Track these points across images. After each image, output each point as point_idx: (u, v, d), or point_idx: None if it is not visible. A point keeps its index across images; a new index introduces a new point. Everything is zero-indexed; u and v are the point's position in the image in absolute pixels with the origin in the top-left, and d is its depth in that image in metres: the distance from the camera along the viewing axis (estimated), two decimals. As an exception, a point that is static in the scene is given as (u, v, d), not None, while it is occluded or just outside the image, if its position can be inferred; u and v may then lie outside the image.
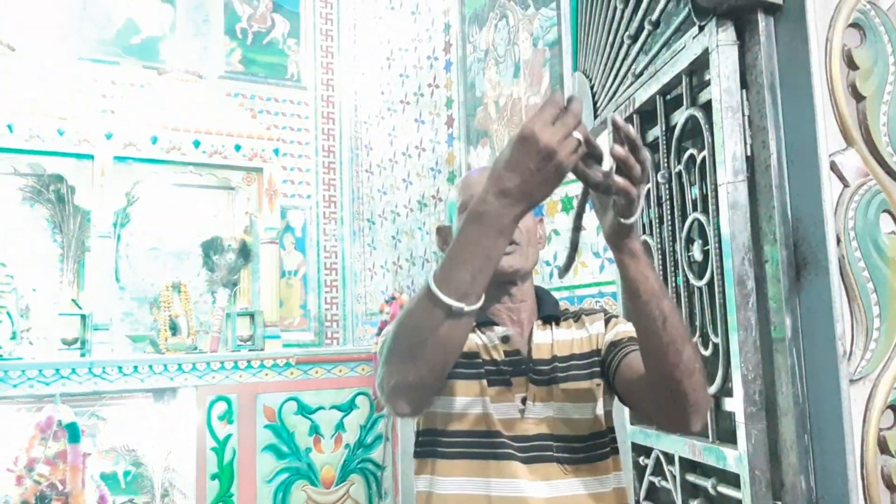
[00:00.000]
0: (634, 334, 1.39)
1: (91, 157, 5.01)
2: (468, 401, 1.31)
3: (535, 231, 1.42)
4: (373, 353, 5.13)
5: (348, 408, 5.50)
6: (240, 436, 5.13)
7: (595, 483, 1.32)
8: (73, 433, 3.17)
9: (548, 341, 1.39)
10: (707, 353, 1.72)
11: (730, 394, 1.60)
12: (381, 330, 5.01)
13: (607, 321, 1.44)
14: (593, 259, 3.61)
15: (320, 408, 5.44)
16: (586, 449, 1.34)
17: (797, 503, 1.45)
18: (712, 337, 1.68)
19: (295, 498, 5.30)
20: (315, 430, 5.42)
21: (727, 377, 1.61)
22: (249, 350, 5.35)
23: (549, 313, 1.42)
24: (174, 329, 5.39)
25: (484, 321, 1.37)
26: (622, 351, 1.37)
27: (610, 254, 2.94)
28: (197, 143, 5.36)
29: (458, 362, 1.27)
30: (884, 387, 1.45)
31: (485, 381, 1.32)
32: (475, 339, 1.35)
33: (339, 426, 5.44)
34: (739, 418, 1.53)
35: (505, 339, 1.36)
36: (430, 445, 1.33)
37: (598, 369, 1.40)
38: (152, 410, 5.69)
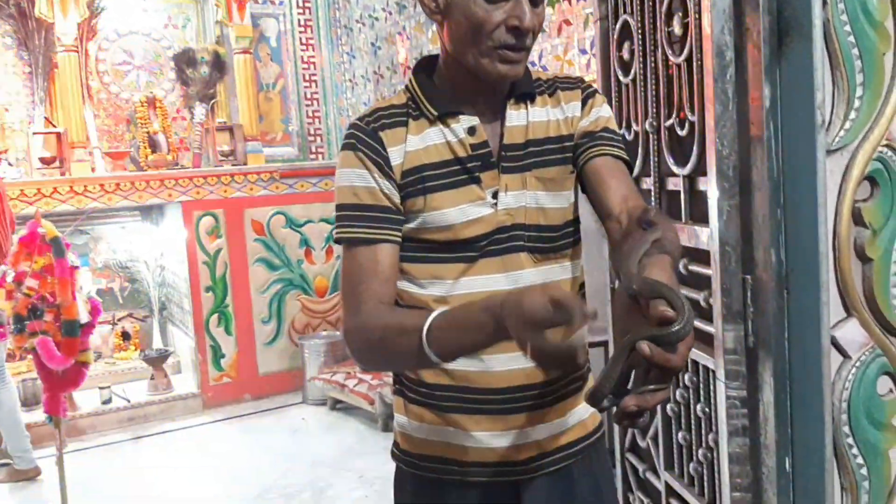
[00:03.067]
0: (611, 122, 1.33)
1: (46, -37, 4.71)
2: (438, 214, 1.24)
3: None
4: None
5: (336, 220, 5.53)
6: (230, 249, 5.19)
7: (559, 270, 1.29)
8: (58, 247, 3.16)
9: (522, 123, 1.28)
10: (683, 132, 1.67)
11: (703, 172, 1.56)
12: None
13: (584, 100, 1.32)
14: (580, 55, 3.48)
15: (309, 221, 5.47)
16: (558, 238, 1.29)
17: (767, 277, 1.44)
18: (689, 115, 1.62)
19: (290, 307, 5.45)
20: (305, 242, 5.48)
21: (702, 155, 1.56)
22: (232, 164, 5.29)
23: (525, 90, 1.29)
24: (153, 146, 5.30)
25: (448, 111, 1.25)
26: (593, 149, 1.28)
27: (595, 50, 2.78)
28: (158, -54, 5.02)
29: (422, 176, 1.23)
30: (862, 157, 1.40)
31: (447, 192, 1.23)
32: (438, 138, 1.25)
33: (329, 238, 5.50)
34: (712, 194, 1.49)
35: (471, 132, 1.25)
36: (402, 250, 1.26)
37: (571, 155, 1.31)
38: (142, 228, 5.74)
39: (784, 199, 1.42)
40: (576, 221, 1.33)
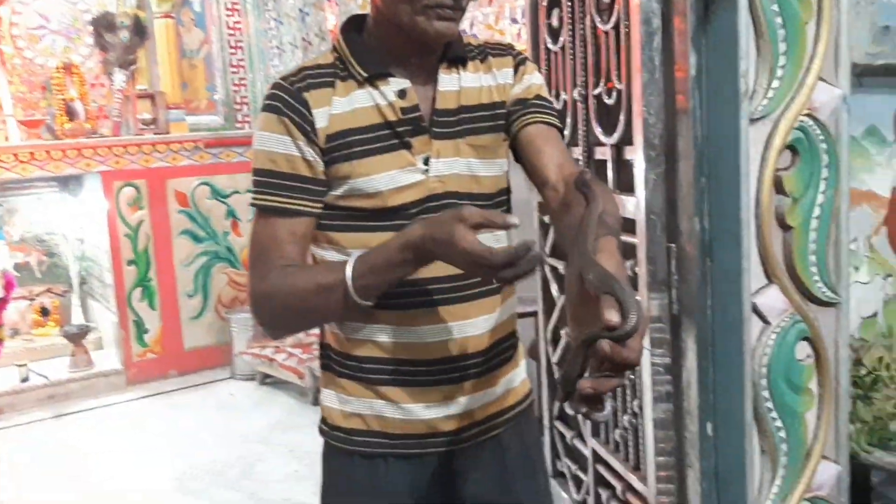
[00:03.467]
0: (543, 89, 1.31)
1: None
2: (365, 181, 1.19)
3: None
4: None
5: (264, 191, 5.42)
6: (153, 221, 5.02)
7: (492, 240, 1.26)
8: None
9: (454, 88, 1.24)
10: (611, 101, 1.66)
11: (630, 142, 1.56)
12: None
13: (516, 67, 1.29)
14: (511, 25, 3.46)
15: (235, 192, 5.33)
16: (491, 206, 1.26)
17: (690, 244, 1.46)
18: (616, 83, 1.61)
19: (216, 280, 5.32)
20: (231, 214, 5.34)
21: (629, 124, 1.56)
22: (154, 134, 5.11)
23: (457, 54, 1.25)
24: (71, 114, 5.07)
25: (378, 72, 1.20)
26: (526, 116, 1.26)
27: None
28: None
29: (348, 141, 1.18)
30: (784, 126, 1.42)
31: (375, 157, 1.19)
32: (367, 101, 1.19)
33: (257, 210, 5.38)
34: (638, 164, 1.50)
35: (401, 94, 1.20)
36: (328, 219, 1.21)
37: (503, 122, 1.28)
38: (59, 200, 5.51)
39: (708, 168, 1.43)
40: (508, 190, 1.31)
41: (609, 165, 1.70)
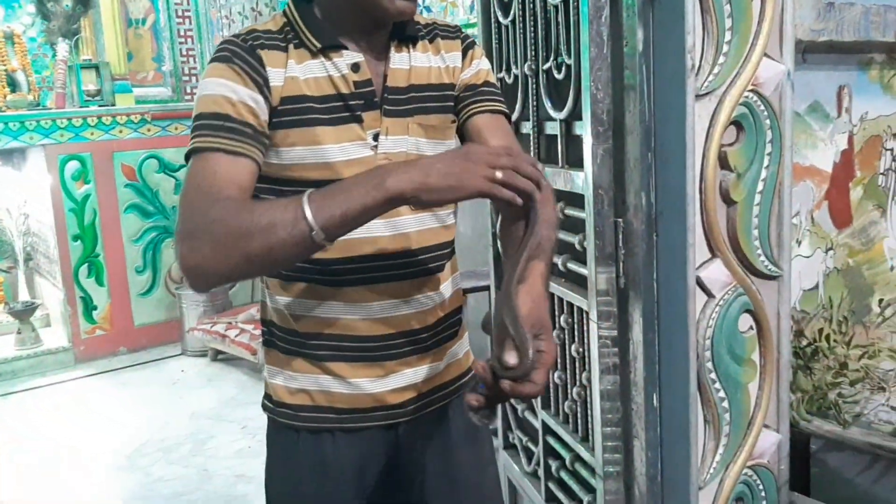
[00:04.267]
0: (490, 75, 1.32)
1: None
2: (318, 149, 1.17)
3: None
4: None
5: (215, 165, 5.32)
6: (99, 196, 4.92)
7: (436, 219, 1.27)
8: None
9: (404, 67, 1.24)
10: (560, 76, 1.66)
11: (579, 117, 1.56)
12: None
13: (465, 51, 1.30)
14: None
15: (184, 166, 5.22)
16: None
17: (637, 219, 1.47)
18: (566, 58, 1.61)
19: (166, 256, 5.24)
20: (180, 188, 5.25)
21: (578, 99, 1.56)
22: (99, 106, 4.97)
23: (409, 33, 1.25)
24: (12, 85, 4.92)
25: (332, 44, 1.18)
26: (475, 105, 1.27)
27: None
28: None
29: (303, 107, 1.15)
30: (729, 102, 1.43)
31: (328, 127, 1.17)
32: (320, 71, 1.18)
33: (207, 184, 5.30)
34: (587, 139, 1.50)
35: (355, 68, 1.18)
36: (275, 194, 1.16)
37: (451, 104, 1.29)
38: (2, 174, 5.35)
39: (655, 144, 1.44)
40: None
41: (559, 140, 1.70)
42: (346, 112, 1.19)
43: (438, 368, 1.31)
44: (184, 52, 5.64)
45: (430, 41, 1.28)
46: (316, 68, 1.18)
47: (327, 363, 1.25)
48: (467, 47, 1.31)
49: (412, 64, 1.25)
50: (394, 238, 1.22)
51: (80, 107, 4.99)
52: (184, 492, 3.21)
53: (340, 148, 1.17)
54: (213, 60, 1.16)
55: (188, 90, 5.68)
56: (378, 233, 1.19)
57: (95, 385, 4.63)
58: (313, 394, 1.27)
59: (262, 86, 1.14)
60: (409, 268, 1.24)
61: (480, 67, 1.31)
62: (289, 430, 1.30)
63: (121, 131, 4.97)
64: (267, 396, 1.33)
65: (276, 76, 1.15)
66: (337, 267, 1.19)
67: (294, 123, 1.16)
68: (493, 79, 1.33)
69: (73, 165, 4.81)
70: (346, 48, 1.19)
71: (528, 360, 0.90)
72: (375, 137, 1.20)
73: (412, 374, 1.28)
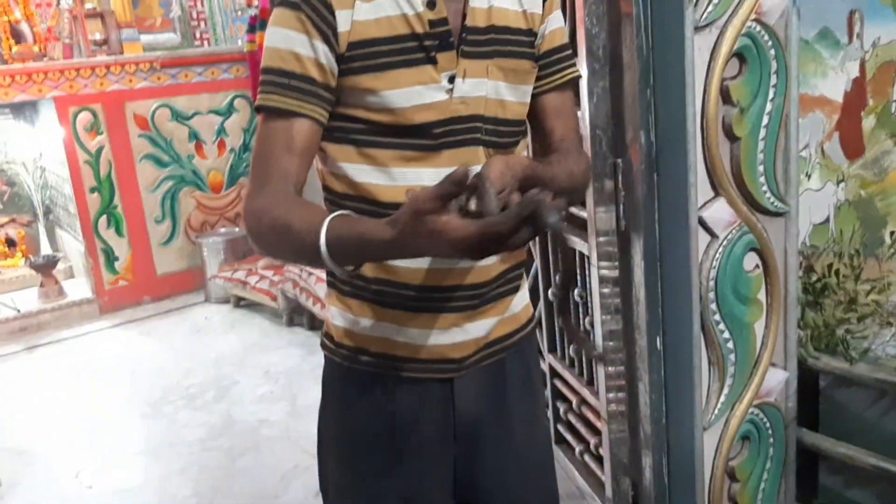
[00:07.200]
0: (564, 32, 1.25)
1: None
2: (385, 94, 1.09)
3: None
4: (246, 53, 4.82)
5: (227, 112, 5.28)
6: (112, 147, 4.91)
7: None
8: None
9: (485, 6, 1.15)
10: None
11: (575, 53, 1.51)
12: (251, 26, 4.65)
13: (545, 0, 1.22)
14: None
15: (197, 113, 5.20)
16: (511, 134, 1.21)
17: (637, 159, 1.43)
18: (561, -8, 1.55)
19: (184, 205, 5.25)
20: (195, 136, 5.23)
21: (573, 33, 1.51)
22: (107, 55, 4.93)
23: None
24: (17, 36, 4.88)
25: None
26: (549, 79, 1.23)
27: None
28: None
29: (371, 51, 1.09)
30: (731, 33, 1.37)
31: (399, 70, 1.10)
32: (393, 10, 1.10)
33: (221, 131, 5.27)
34: (583, 76, 1.45)
35: (431, 5, 1.11)
36: (346, 132, 1.14)
37: (531, 50, 1.21)
38: (15, 127, 5.36)
39: (653, 80, 1.39)
40: (525, 122, 1.27)
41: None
42: (420, 52, 1.12)
43: (498, 322, 1.29)
44: (191, -3, 5.55)
45: None
46: (388, 6, 1.11)
47: (388, 310, 1.23)
48: None
49: (492, 3, 1.17)
50: None
51: (88, 56, 4.95)
52: (208, 437, 3.27)
53: (412, 92, 1.11)
54: (279, 3, 1.11)
55: (197, 35, 5.62)
56: None
57: (120, 335, 4.70)
58: (371, 339, 1.25)
59: (330, 35, 1.08)
60: None
61: (556, 26, 1.24)
62: (345, 371, 1.28)
63: (130, 81, 4.93)
64: (327, 335, 1.31)
65: (343, 20, 1.09)
66: None
67: (362, 69, 1.10)
68: (565, 37, 1.26)
69: (84, 117, 4.79)
70: None
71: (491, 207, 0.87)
72: (451, 80, 1.13)
73: (473, 328, 1.25)
